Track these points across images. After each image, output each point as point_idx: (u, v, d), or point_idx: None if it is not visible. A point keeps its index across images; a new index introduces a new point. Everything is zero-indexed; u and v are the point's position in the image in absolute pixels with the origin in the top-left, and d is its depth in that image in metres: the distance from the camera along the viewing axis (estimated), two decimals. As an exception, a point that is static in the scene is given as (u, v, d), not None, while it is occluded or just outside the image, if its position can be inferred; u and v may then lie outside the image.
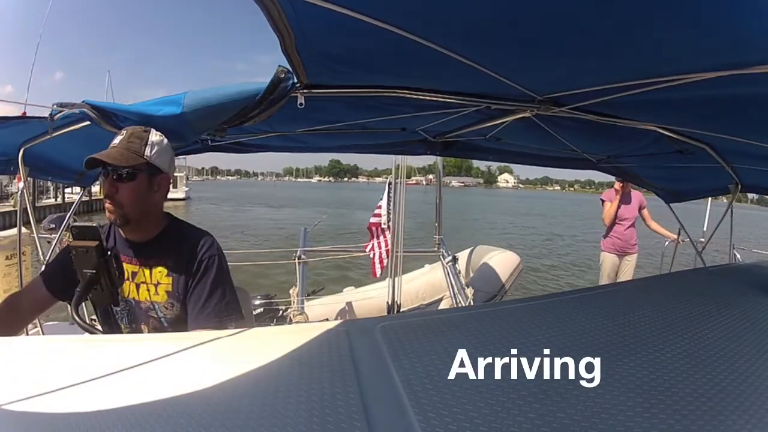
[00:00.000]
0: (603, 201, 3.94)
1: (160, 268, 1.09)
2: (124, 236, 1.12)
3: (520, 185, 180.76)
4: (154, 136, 1.09)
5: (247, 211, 27.04)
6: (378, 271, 3.79)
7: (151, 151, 1.07)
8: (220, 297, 1.08)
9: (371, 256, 3.82)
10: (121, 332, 1.13)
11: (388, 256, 3.64)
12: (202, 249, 1.10)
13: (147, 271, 1.10)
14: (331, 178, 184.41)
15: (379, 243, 3.78)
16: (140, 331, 1.12)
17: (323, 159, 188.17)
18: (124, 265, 1.10)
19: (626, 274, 3.83)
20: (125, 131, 1.08)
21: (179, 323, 1.10)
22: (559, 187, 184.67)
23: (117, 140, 1.06)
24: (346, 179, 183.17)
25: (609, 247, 3.88)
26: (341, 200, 37.50)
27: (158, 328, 1.11)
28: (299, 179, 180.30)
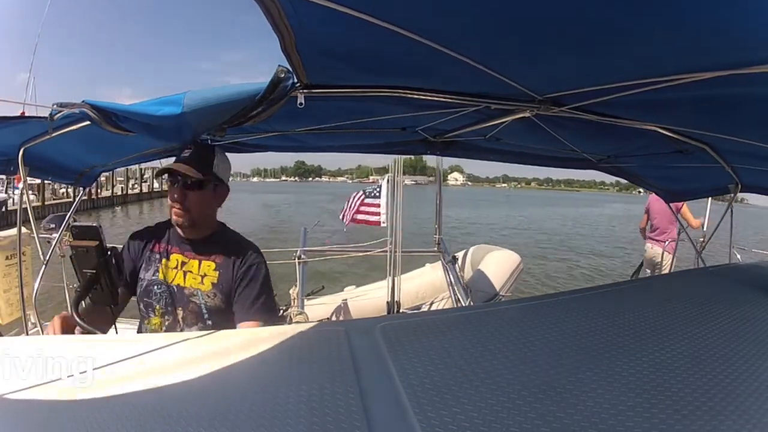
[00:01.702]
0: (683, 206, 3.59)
1: (209, 263, 1.25)
2: (181, 234, 1.27)
3: (468, 183, 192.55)
4: (220, 153, 1.29)
5: (250, 195, 44.21)
6: (382, 222, 3.89)
7: (218, 167, 1.26)
8: (266, 299, 1.25)
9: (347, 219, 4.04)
10: (154, 311, 1.25)
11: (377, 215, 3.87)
12: (251, 255, 1.27)
13: (196, 263, 1.25)
14: (296, 178, 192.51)
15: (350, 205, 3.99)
16: (174, 314, 1.23)
17: (289, 160, 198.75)
18: (176, 255, 1.27)
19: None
20: (194, 146, 1.26)
21: (217, 313, 1.23)
22: (506, 185, 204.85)
23: (187, 153, 1.24)
24: (310, 179, 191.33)
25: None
26: (307, 191, 66.79)
27: (196, 312, 1.23)
28: (267, 179, 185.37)
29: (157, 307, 1.24)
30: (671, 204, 3.61)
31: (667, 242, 3.89)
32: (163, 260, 1.26)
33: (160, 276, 1.25)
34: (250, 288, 1.24)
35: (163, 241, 1.30)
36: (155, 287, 1.25)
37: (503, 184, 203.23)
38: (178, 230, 1.27)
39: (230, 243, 1.29)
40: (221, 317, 1.23)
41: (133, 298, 1.32)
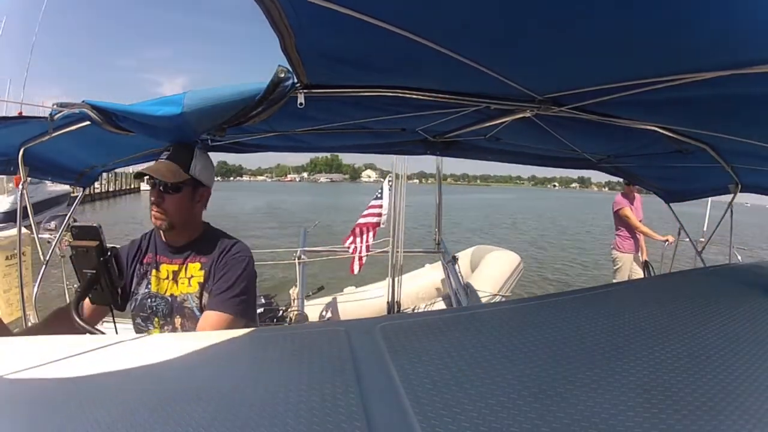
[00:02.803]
0: (620, 210, 4.06)
1: (194, 264, 1.22)
2: (165, 240, 1.24)
3: (381, 179, 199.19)
4: (200, 154, 1.24)
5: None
6: (356, 269, 3.83)
7: (195, 168, 1.21)
8: (242, 292, 1.16)
9: (350, 251, 3.87)
10: (153, 324, 1.22)
11: (367, 253, 3.79)
12: (234, 249, 1.22)
13: (184, 268, 1.22)
14: (219, 178, 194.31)
15: (361, 240, 3.85)
16: (173, 324, 1.21)
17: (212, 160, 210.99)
18: (166, 266, 1.22)
19: (639, 272, 4.03)
20: (172, 147, 1.22)
21: None
22: (417, 181, 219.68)
23: (164, 156, 1.20)
24: (231, 178, 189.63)
25: (629, 249, 4.10)
26: (230, 188, 68.31)
27: (191, 317, 1.19)
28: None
29: (156, 319, 1.22)
30: (616, 207, 4.09)
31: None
32: (153, 271, 1.23)
33: (153, 288, 1.22)
34: (226, 277, 1.16)
35: (150, 252, 1.26)
36: (149, 300, 1.22)
37: (414, 180, 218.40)
38: (163, 237, 1.24)
39: (215, 241, 1.25)
40: None
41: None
